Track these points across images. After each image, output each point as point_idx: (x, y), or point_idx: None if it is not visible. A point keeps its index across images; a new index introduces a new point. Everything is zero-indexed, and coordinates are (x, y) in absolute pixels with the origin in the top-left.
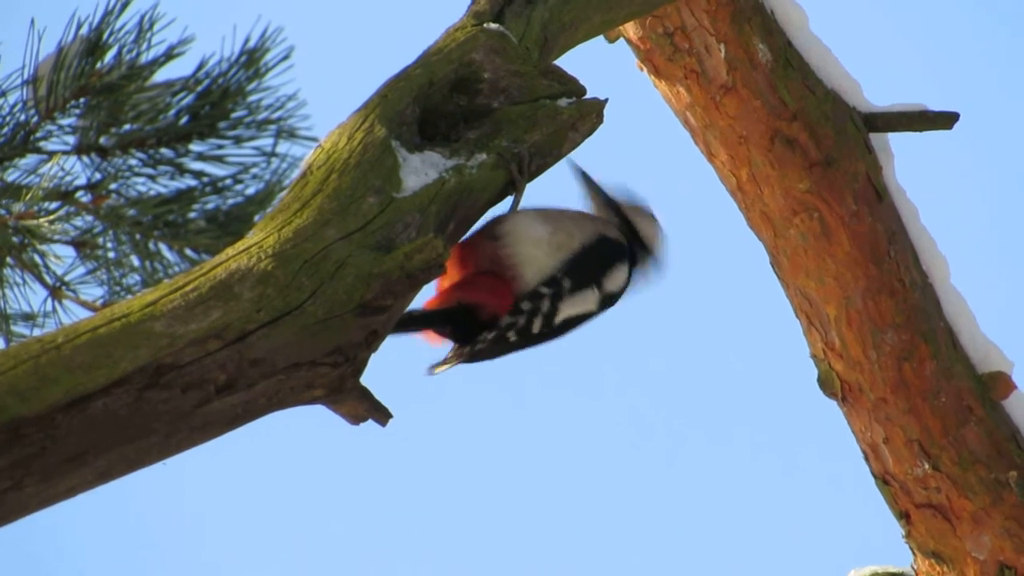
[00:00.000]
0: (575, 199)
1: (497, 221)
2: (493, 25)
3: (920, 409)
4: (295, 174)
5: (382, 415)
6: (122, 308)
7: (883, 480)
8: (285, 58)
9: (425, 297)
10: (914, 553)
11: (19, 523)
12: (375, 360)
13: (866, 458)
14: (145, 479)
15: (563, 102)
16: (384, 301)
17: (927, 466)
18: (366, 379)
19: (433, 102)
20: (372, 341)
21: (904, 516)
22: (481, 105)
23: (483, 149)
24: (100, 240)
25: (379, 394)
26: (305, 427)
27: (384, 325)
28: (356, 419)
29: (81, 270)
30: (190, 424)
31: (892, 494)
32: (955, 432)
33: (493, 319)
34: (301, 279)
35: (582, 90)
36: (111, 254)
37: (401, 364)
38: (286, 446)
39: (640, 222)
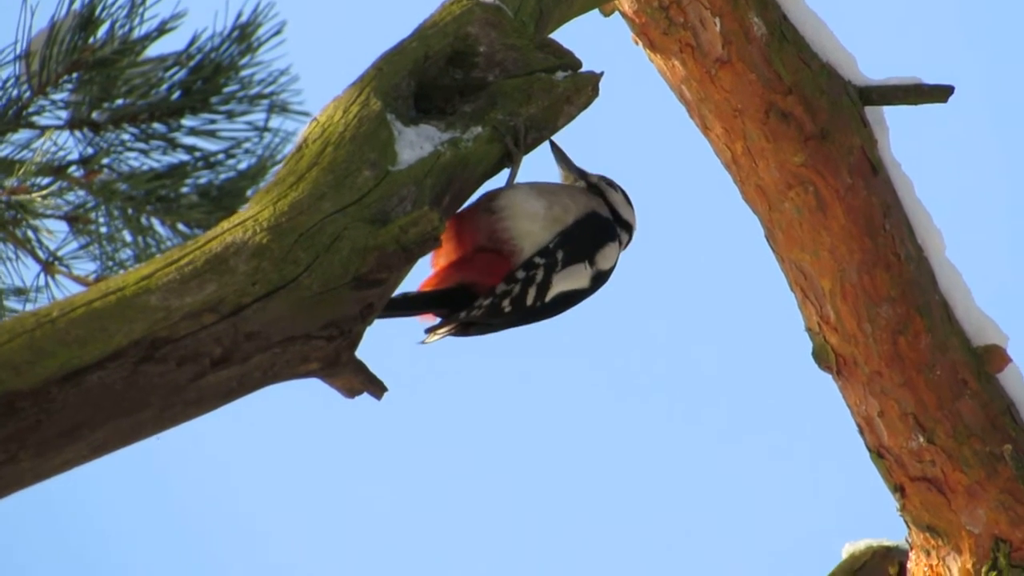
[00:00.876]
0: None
1: (493, 195)
2: None
3: (915, 382)
4: (289, 147)
5: (377, 388)
6: (117, 282)
7: (878, 453)
8: (277, 32)
9: (421, 273)
10: (909, 527)
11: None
12: (370, 333)
13: (861, 431)
14: (140, 458)
15: (559, 75)
16: (380, 274)
17: (922, 439)
18: (361, 352)
19: (429, 75)
20: (367, 314)
21: (899, 489)
22: (477, 78)
23: (479, 122)
24: (93, 215)
25: (374, 367)
26: (299, 399)
27: (379, 298)
28: (351, 392)
29: (74, 245)
30: (185, 398)
31: (887, 467)
32: (950, 405)
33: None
34: (296, 252)
35: (578, 63)
36: (103, 228)
37: (396, 337)
38: (281, 419)
39: (610, 193)
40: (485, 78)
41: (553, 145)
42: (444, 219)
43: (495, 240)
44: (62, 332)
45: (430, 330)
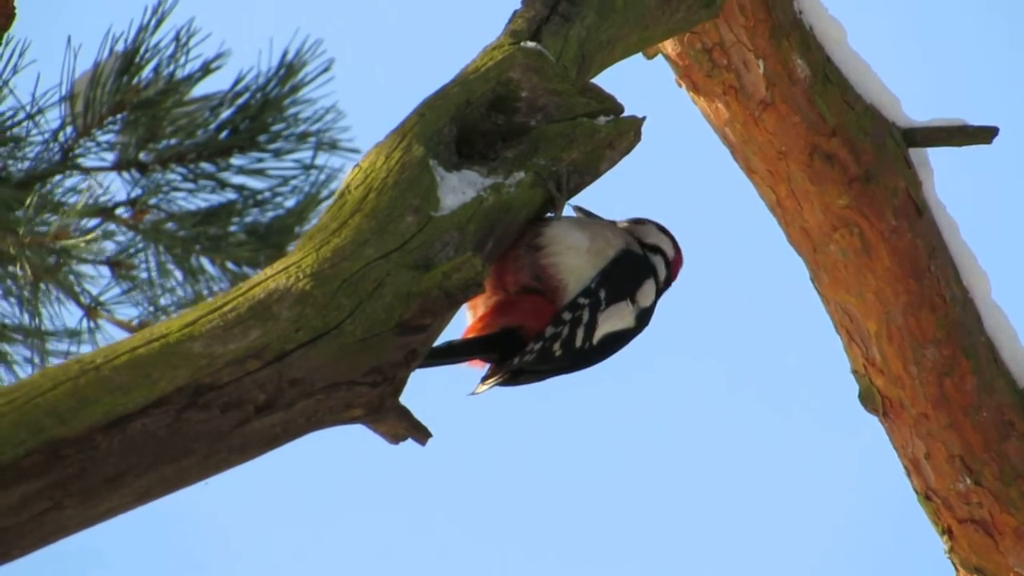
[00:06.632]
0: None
1: (535, 232)
2: (530, 44)
3: (961, 424)
4: (336, 183)
5: (421, 434)
6: (161, 329)
7: (925, 496)
8: (325, 70)
9: (463, 321)
10: (957, 569)
11: None
12: (414, 379)
13: (908, 474)
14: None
15: (601, 120)
16: (423, 320)
17: (969, 481)
18: (405, 398)
19: (471, 121)
20: (411, 360)
21: (947, 532)
22: (519, 123)
23: (521, 167)
24: (136, 260)
25: (418, 413)
26: (341, 445)
27: (423, 344)
28: (395, 438)
29: (116, 290)
30: (229, 444)
31: (934, 510)
32: (997, 447)
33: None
34: (340, 298)
35: (620, 108)
36: (146, 273)
37: (441, 384)
38: (323, 464)
39: (639, 229)
40: (527, 123)
41: (577, 210)
42: (487, 265)
43: (540, 277)
44: (106, 379)
45: (481, 382)
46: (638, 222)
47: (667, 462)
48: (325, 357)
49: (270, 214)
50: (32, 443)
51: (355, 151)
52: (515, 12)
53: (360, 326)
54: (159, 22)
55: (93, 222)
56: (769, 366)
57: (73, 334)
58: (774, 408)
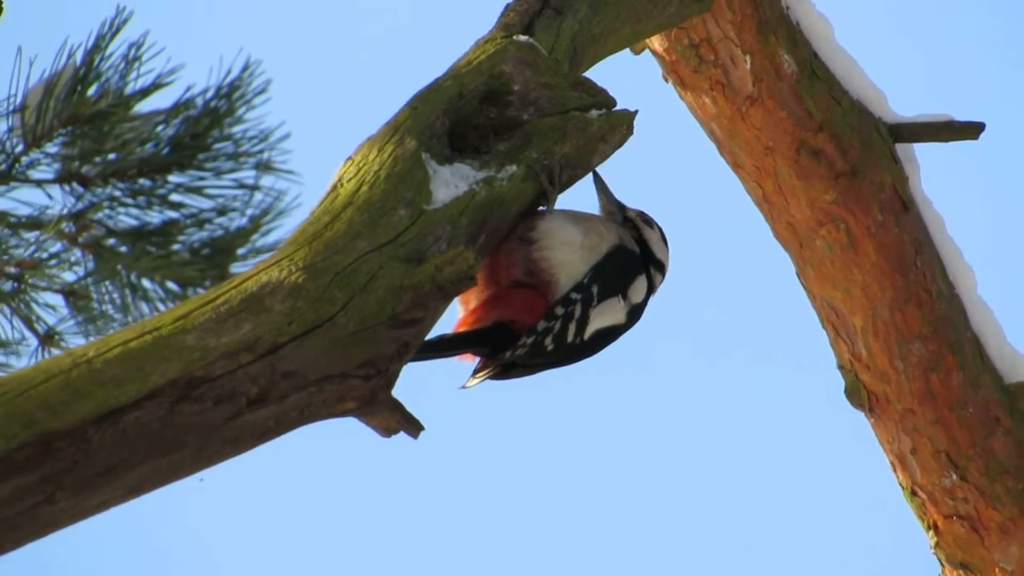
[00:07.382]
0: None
1: (528, 226)
2: (523, 37)
3: (947, 420)
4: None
5: (414, 427)
6: (153, 322)
7: (911, 492)
8: (262, 91)
9: (455, 315)
10: (942, 564)
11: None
12: (406, 372)
13: (894, 469)
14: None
15: (593, 114)
16: (415, 313)
17: (955, 477)
18: (397, 391)
19: (463, 114)
20: (403, 353)
21: (932, 527)
22: (511, 117)
23: (513, 161)
24: (90, 288)
25: (410, 406)
26: (333, 438)
27: (415, 337)
28: (388, 431)
29: (71, 323)
30: (222, 437)
31: (920, 505)
32: (982, 443)
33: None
34: (332, 291)
35: (612, 102)
36: (103, 305)
37: (433, 377)
38: (314, 457)
39: (646, 231)
40: (520, 117)
41: (596, 176)
42: (479, 258)
43: (532, 271)
44: (98, 372)
45: (471, 376)
46: (647, 221)
47: (655, 456)
48: (318, 350)
49: (212, 234)
50: (24, 436)
51: (291, 172)
52: (507, 5)
53: (353, 319)
54: (114, 35)
55: (56, 247)
56: (754, 361)
57: (3, 344)
58: (758, 402)
